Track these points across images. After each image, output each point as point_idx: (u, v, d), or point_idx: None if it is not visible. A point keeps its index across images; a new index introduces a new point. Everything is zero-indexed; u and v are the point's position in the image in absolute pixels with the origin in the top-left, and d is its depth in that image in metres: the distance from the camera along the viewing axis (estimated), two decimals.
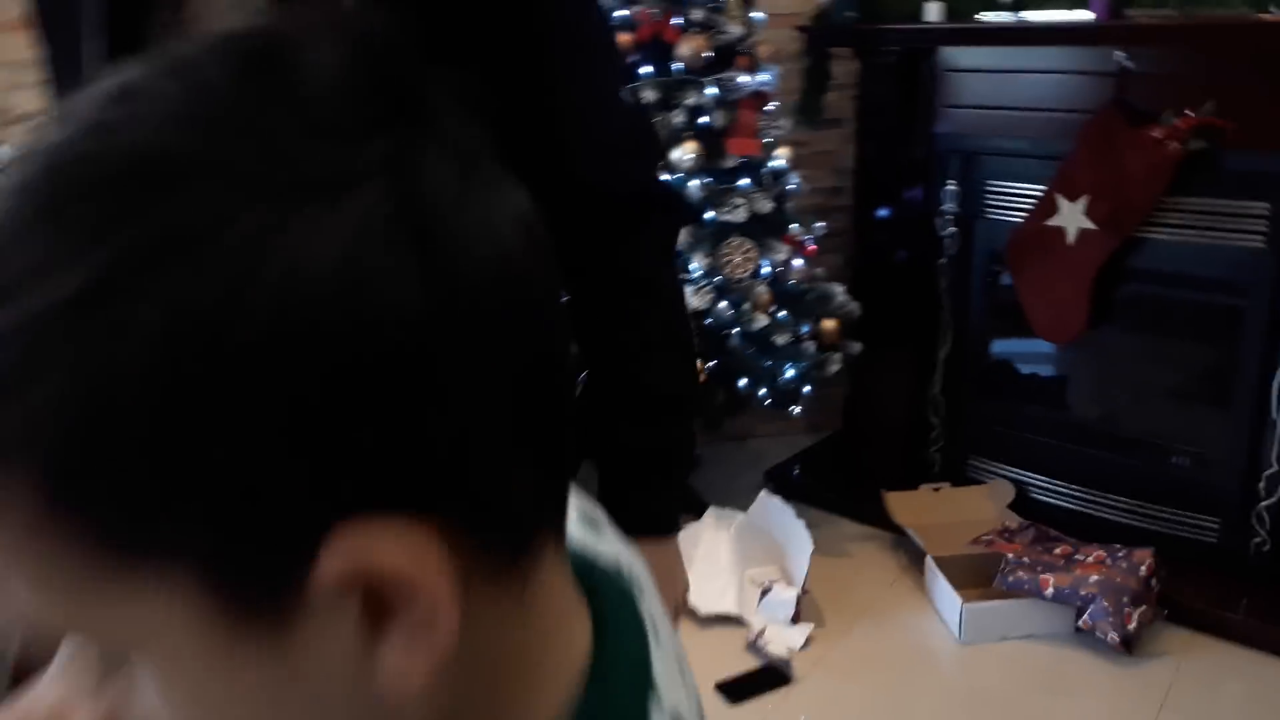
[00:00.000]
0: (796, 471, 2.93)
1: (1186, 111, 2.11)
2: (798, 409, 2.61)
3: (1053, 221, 2.35)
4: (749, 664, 2.16)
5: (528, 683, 0.36)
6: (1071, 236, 2.32)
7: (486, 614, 0.32)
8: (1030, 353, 2.71)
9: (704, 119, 2.42)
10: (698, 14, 2.40)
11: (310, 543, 0.28)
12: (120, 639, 0.29)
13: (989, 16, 2.52)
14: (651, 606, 0.42)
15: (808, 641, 2.22)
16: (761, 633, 2.21)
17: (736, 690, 2.07)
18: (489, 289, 0.29)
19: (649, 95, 2.40)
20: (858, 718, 2.05)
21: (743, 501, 2.55)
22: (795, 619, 2.26)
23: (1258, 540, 2.27)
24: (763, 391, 2.50)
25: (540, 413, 0.32)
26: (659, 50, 2.41)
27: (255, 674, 0.29)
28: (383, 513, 0.28)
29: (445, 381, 0.28)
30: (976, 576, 2.30)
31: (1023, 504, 2.58)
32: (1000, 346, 2.76)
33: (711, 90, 2.41)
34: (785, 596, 2.26)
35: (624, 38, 2.38)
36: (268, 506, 0.27)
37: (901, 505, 2.59)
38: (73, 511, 0.27)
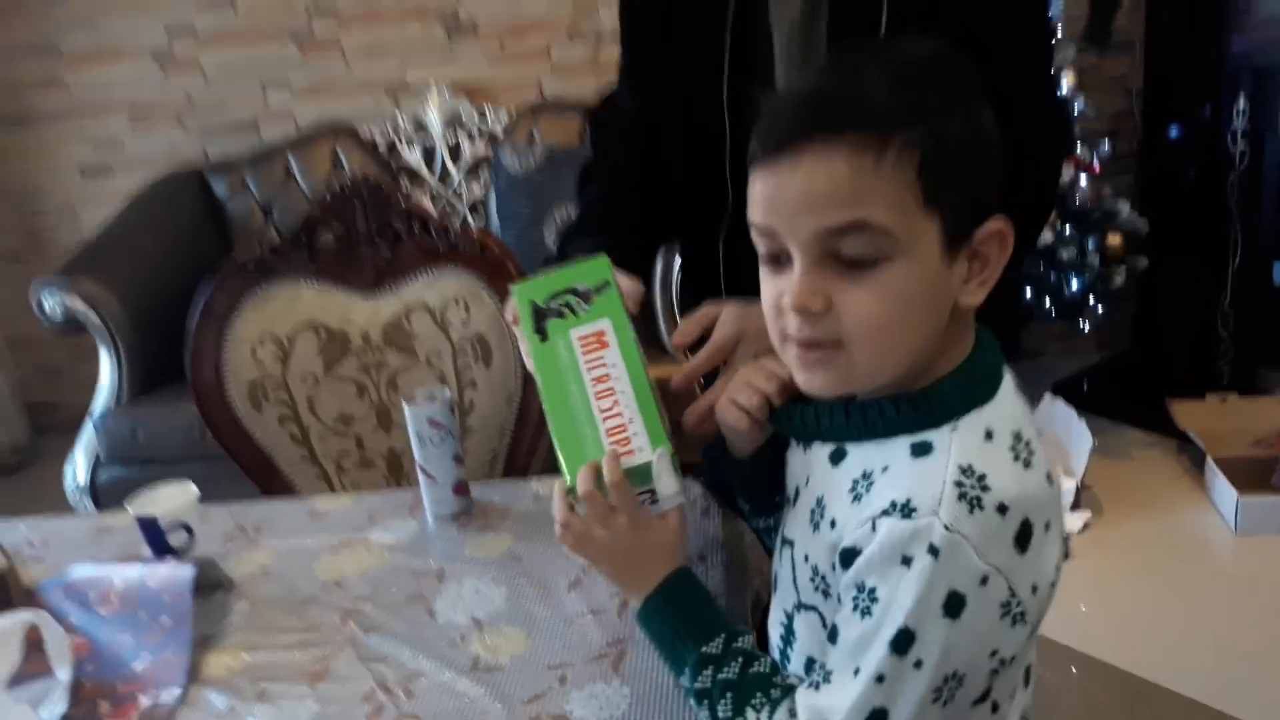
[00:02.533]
0: (1085, 385, 3.11)
1: None
2: (1086, 324, 2.79)
3: None
4: None
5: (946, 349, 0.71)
6: None
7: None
8: None
9: None
10: None
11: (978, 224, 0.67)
12: (899, 249, 0.65)
13: None
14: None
15: (1085, 526, 2.46)
16: None
17: None
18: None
19: None
20: (1130, 593, 2.28)
21: (1033, 409, 2.78)
22: (1074, 506, 2.50)
23: None
24: (1049, 304, 2.71)
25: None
26: None
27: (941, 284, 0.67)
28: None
29: None
30: (1257, 477, 2.43)
31: None
32: None
33: None
34: (1065, 486, 2.51)
35: None
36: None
37: (1187, 412, 2.73)
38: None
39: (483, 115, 3.20)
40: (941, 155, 0.64)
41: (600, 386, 0.86)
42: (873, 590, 0.65)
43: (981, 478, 0.65)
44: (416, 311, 1.59)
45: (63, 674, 0.98)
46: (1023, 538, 0.65)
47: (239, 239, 3.16)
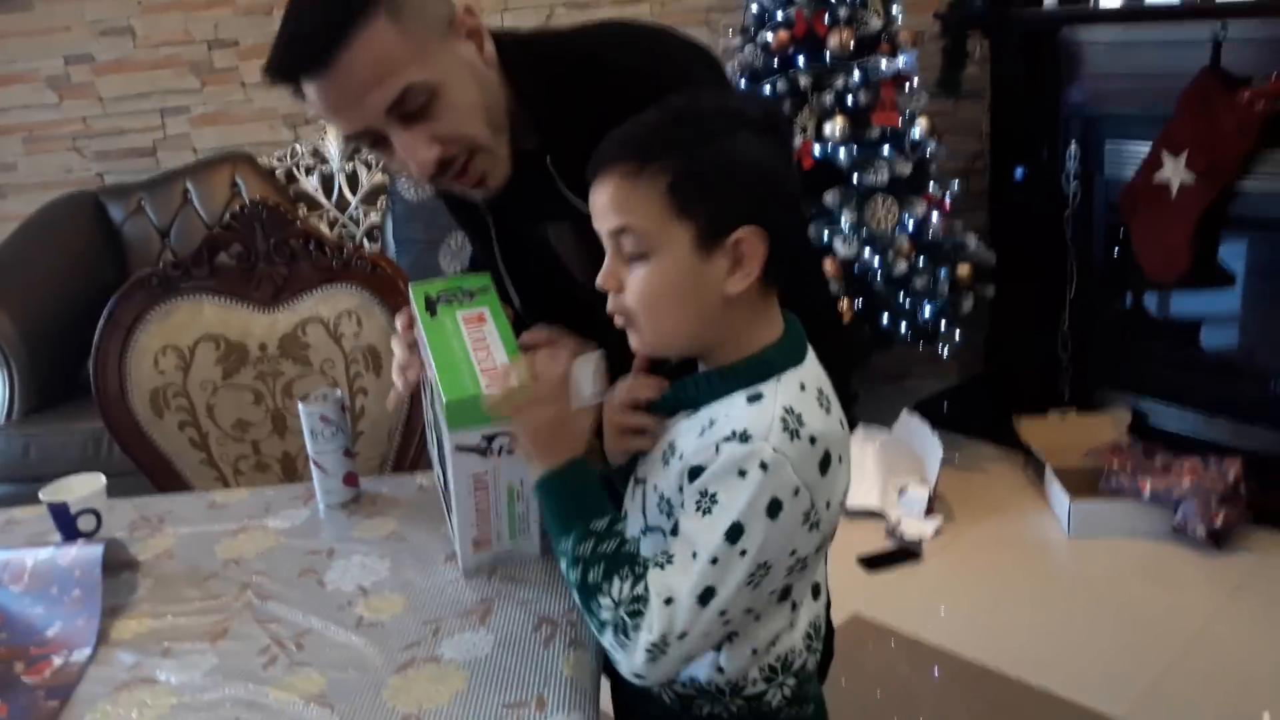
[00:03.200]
0: (944, 405, 3.36)
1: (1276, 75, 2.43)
2: (945, 349, 3.03)
3: (1159, 176, 2.70)
4: (887, 545, 2.65)
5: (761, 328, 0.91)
6: (1175, 189, 2.67)
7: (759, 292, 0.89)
8: (1145, 292, 3.05)
9: (850, 99, 2.88)
10: (844, 10, 2.86)
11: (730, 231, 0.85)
12: (655, 247, 0.85)
13: None
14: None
15: (937, 531, 2.69)
16: (898, 522, 2.69)
17: (874, 562, 2.57)
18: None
19: (804, 81, 2.89)
20: (976, 590, 2.50)
21: (892, 425, 3.01)
22: (928, 513, 2.73)
23: None
24: (904, 327, 2.95)
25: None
26: (812, 43, 2.90)
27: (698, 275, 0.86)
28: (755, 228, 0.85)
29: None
30: (1089, 484, 2.70)
31: (1140, 427, 2.94)
32: (1120, 287, 3.10)
33: (857, 74, 2.88)
34: (919, 494, 2.74)
35: (782, 34, 2.88)
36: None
37: (1031, 427, 3.00)
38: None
39: None
40: (689, 177, 0.85)
41: (478, 345, 1.07)
42: (714, 495, 0.84)
43: (799, 416, 0.85)
44: (311, 324, 1.71)
45: None
46: (824, 464, 0.86)
47: (135, 262, 3.21)
